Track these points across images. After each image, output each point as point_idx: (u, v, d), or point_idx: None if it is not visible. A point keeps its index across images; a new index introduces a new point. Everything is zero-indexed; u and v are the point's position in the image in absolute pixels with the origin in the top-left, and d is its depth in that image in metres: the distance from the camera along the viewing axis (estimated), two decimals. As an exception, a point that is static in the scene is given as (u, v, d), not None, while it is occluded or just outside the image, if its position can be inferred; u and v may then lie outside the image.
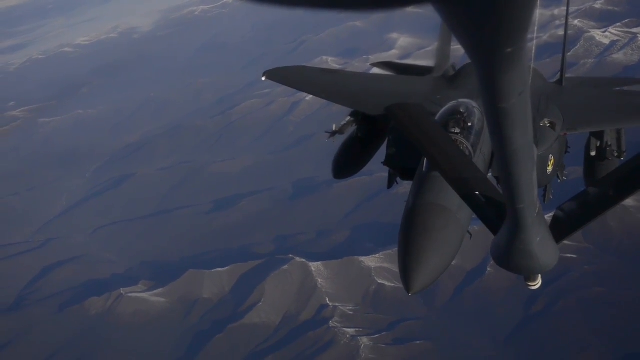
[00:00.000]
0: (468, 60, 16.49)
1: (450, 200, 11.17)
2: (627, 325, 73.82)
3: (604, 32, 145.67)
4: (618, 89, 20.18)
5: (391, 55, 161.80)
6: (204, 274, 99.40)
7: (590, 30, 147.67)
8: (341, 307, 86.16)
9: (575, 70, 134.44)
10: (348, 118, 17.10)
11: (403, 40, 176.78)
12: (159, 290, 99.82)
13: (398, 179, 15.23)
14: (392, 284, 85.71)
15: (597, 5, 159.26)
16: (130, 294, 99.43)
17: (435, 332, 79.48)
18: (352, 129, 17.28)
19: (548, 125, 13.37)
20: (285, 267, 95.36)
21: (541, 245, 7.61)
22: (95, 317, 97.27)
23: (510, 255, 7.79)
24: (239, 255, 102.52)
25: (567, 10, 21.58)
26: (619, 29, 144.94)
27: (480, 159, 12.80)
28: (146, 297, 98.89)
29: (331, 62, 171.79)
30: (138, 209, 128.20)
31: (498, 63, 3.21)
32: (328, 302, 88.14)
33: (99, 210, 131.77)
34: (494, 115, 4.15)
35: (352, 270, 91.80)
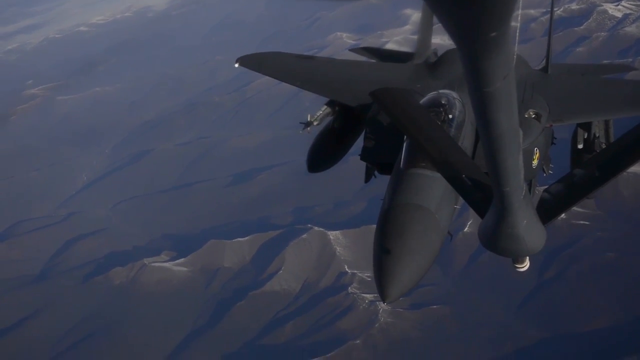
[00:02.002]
0: (450, 46, 16.43)
1: (428, 199, 10.98)
2: (638, 289, 74.79)
3: (617, 5, 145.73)
4: (606, 76, 20.19)
5: (405, 31, 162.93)
6: (224, 244, 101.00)
7: (603, 4, 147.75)
8: (359, 274, 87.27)
9: (587, 43, 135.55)
10: (324, 107, 16.79)
11: (417, 16, 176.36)
12: (181, 260, 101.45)
13: (376, 172, 14.72)
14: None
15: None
16: (153, 264, 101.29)
17: (451, 297, 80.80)
18: (328, 119, 16.94)
19: (533, 116, 13.08)
20: (304, 236, 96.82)
21: (528, 228, 7.61)
22: (119, 286, 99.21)
23: (497, 239, 7.73)
24: (259, 226, 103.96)
25: (552, 1, 22.22)
26: (632, 2, 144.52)
27: None
28: (169, 266, 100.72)
29: (346, 38, 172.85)
30: (158, 184, 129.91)
31: (482, 47, 3.29)
32: (347, 269, 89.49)
33: (119, 185, 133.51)
34: (479, 99, 4.19)
35: (370, 238, 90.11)
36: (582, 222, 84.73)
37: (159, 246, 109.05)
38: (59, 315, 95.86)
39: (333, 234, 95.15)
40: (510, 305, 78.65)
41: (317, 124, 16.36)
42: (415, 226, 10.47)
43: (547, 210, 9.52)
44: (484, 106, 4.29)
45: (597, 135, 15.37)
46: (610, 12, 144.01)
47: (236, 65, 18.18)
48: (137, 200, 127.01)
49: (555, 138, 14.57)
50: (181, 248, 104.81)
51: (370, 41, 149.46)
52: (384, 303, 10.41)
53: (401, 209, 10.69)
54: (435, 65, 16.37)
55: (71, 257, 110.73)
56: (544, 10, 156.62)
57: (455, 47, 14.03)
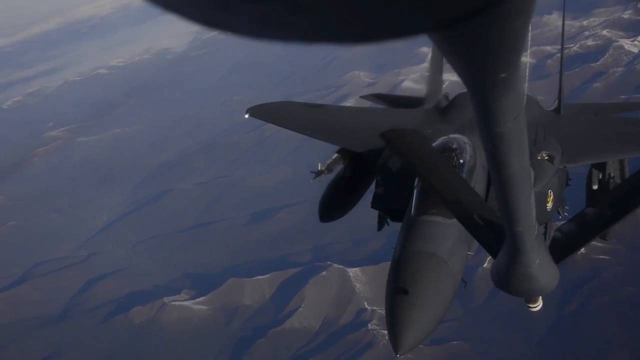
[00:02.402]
0: (461, 90, 16.19)
1: (441, 246, 10.83)
2: (659, 323, 75.18)
3: (633, 41, 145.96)
4: (618, 115, 20.34)
5: (422, 69, 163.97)
6: (244, 282, 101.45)
7: (619, 39, 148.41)
8: (379, 310, 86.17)
9: (604, 79, 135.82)
10: (335, 155, 16.62)
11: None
12: (201, 298, 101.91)
13: (389, 219, 14.51)
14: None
15: (626, 16, 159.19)
16: (173, 303, 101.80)
17: (471, 333, 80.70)
18: (339, 167, 16.77)
19: (546, 158, 12.89)
20: (324, 273, 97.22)
21: (541, 267, 7.53)
22: (140, 325, 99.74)
23: (510, 278, 7.63)
24: (278, 264, 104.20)
25: (562, 42, 22.61)
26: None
27: None
28: (189, 305, 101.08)
29: (363, 77, 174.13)
30: (177, 223, 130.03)
31: (492, 88, 3.26)
32: (366, 305, 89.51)
33: (139, 225, 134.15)
34: (490, 140, 4.18)
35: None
36: (602, 256, 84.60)
37: (179, 285, 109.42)
38: (80, 355, 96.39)
39: (352, 271, 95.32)
40: (531, 340, 78.49)
41: (328, 173, 16.40)
42: (428, 274, 10.40)
43: (559, 250, 9.46)
44: (494, 147, 4.27)
45: (612, 175, 15.27)
46: (626, 47, 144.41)
47: (246, 116, 18.25)
48: (156, 239, 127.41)
49: (570, 179, 14.48)
50: (201, 287, 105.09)
51: (387, 79, 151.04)
52: (397, 354, 10.17)
53: (413, 257, 10.60)
54: (446, 109, 16.28)
55: (92, 297, 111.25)
56: (560, 46, 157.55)
57: (465, 91, 13.70)
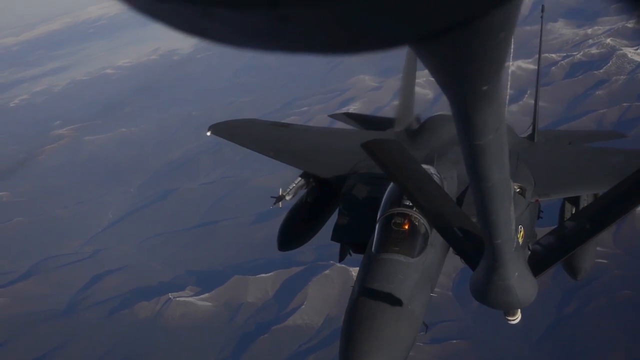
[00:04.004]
0: (433, 113, 17.09)
1: (401, 287, 10.47)
2: (655, 325, 76.43)
3: (636, 49, 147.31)
4: (593, 145, 19.71)
5: (426, 74, 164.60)
6: (248, 280, 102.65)
7: (622, 48, 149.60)
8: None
9: (607, 86, 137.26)
10: (298, 180, 16.04)
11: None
12: (205, 295, 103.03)
13: (351, 251, 13.86)
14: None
15: (630, 25, 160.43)
16: (178, 299, 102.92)
17: (471, 332, 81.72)
18: (302, 192, 16.18)
19: (518, 190, 12.36)
20: (327, 272, 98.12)
21: (519, 280, 7.35)
22: (144, 320, 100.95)
23: (488, 291, 7.44)
24: (282, 263, 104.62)
25: (538, 70, 20.74)
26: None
27: (438, 236, 11.35)
28: (193, 301, 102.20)
29: (368, 81, 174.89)
30: (182, 222, 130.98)
31: (474, 100, 3.21)
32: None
33: (145, 223, 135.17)
34: (471, 152, 4.10)
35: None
36: (599, 260, 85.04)
37: (184, 282, 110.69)
38: (85, 348, 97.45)
39: (355, 270, 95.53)
40: (529, 340, 79.51)
41: (290, 198, 15.76)
42: (387, 319, 10.02)
43: (538, 263, 9.16)
44: (475, 159, 4.21)
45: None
46: (629, 56, 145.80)
47: (208, 133, 18.03)
48: (162, 237, 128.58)
49: (542, 211, 14.11)
50: (205, 284, 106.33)
51: (392, 83, 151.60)
52: None
53: (371, 299, 10.24)
54: (416, 133, 15.99)
55: (97, 292, 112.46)
56: (565, 54, 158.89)
57: (437, 114, 16.42)
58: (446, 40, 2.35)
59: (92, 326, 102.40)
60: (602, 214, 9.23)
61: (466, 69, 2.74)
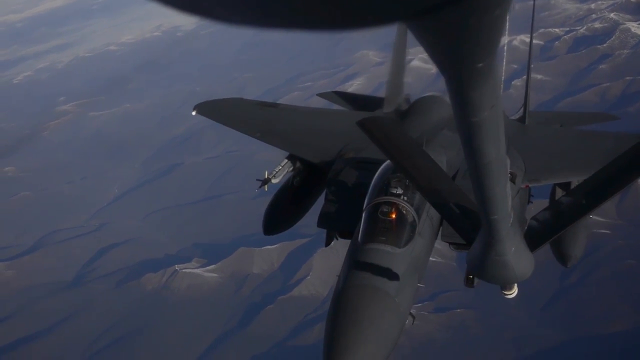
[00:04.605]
0: (423, 94, 17.05)
1: (387, 279, 10.24)
2: (657, 294, 77.27)
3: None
4: (585, 128, 19.62)
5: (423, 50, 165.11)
6: (254, 252, 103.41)
7: (626, 22, 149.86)
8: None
9: (610, 60, 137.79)
10: (284, 162, 15.60)
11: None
12: (212, 266, 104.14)
13: (337, 236, 13.70)
14: (433, 258, 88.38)
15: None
16: (184, 270, 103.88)
17: (475, 302, 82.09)
18: (288, 174, 15.71)
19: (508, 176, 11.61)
20: (332, 243, 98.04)
21: (516, 255, 7.40)
22: (151, 291, 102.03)
23: (485, 266, 7.49)
24: (287, 235, 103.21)
25: (530, 52, 21.13)
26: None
27: (427, 225, 11.63)
28: (199, 272, 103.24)
29: (372, 56, 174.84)
30: (187, 195, 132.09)
31: (470, 77, 3.21)
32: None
33: (150, 197, 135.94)
34: (467, 129, 4.10)
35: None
36: (603, 230, 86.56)
37: (190, 254, 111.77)
38: (93, 319, 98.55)
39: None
40: (533, 308, 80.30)
41: (276, 182, 15.27)
42: (372, 312, 9.81)
43: (534, 238, 9.11)
44: (471, 135, 4.22)
45: None
46: (633, 30, 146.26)
47: (193, 113, 17.69)
48: (167, 211, 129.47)
49: (532, 195, 14.11)
50: (211, 256, 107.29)
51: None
52: None
53: (356, 291, 10.02)
54: (405, 115, 15.76)
55: (104, 264, 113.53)
56: (568, 29, 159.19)
57: (427, 95, 16.83)
58: (441, 16, 2.40)
59: (99, 297, 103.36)
60: (598, 189, 9.19)
61: (461, 46, 2.83)
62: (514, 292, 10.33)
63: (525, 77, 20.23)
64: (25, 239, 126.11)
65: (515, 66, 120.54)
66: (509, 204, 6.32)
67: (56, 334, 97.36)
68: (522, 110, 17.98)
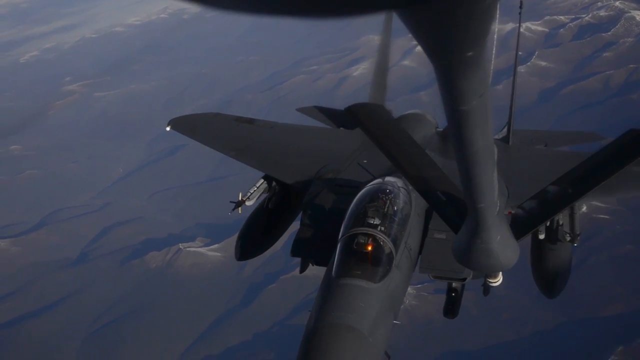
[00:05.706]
0: (405, 112, 17.22)
1: (362, 318, 9.89)
2: (654, 279, 78.23)
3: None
4: (568, 150, 19.32)
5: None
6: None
7: (631, 10, 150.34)
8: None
9: (614, 48, 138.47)
10: (259, 182, 15.36)
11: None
12: (215, 245, 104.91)
13: (312, 263, 13.25)
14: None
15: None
16: (188, 249, 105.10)
17: (473, 283, 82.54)
18: (263, 196, 15.42)
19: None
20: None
21: (501, 244, 7.31)
22: (155, 269, 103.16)
23: (471, 254, 7.40)
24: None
25: (515, 65, 20.64)
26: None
27: (404, 256, 11.30)
28: (203, 251, 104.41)
29: (377, 41, 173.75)
30: (192, 176, 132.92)
31: (459, 66, 3.21)
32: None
33: (155, 177, 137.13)
34: (455, 118, 4.07)
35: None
36: (602, 216, 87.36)
37: (194, 234, 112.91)
38: (97, 295, 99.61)
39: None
40: (531, 290, 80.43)
41: (251, 204, 15.07)
42: (344, 354, 9.52)
43: (520, 226, 9.26)
44: (459, 124, 4.20)
45: (560, 223, 14.00)
46: (638, 18, 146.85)
47: (167, 129, 17.32)
48: (172, 191, 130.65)
49: None
50: (215, 235, 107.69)
51: (401, 44, 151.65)
52: None
53: (329, 330, 9.68)
54: None
55: (108, 242, 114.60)
56: (573, 16, 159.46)
57: (409, 112, 17.84)
58: (431, 5, 2.46)
59: (104, 275, 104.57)
60: (584, 178, 9.41)
61: (451, 34, 2.84)
62: (498, 280, 10.95)
63: (510, 96, 18.84)
64: (30, 217, 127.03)
65: (520, 53, 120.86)
66: (495, 193, 6.43)
67: (60, 311, 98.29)
68: (505, 129, 17.72)
